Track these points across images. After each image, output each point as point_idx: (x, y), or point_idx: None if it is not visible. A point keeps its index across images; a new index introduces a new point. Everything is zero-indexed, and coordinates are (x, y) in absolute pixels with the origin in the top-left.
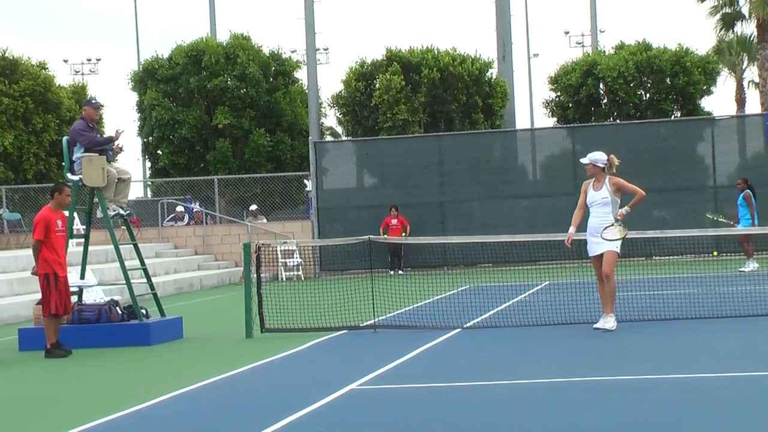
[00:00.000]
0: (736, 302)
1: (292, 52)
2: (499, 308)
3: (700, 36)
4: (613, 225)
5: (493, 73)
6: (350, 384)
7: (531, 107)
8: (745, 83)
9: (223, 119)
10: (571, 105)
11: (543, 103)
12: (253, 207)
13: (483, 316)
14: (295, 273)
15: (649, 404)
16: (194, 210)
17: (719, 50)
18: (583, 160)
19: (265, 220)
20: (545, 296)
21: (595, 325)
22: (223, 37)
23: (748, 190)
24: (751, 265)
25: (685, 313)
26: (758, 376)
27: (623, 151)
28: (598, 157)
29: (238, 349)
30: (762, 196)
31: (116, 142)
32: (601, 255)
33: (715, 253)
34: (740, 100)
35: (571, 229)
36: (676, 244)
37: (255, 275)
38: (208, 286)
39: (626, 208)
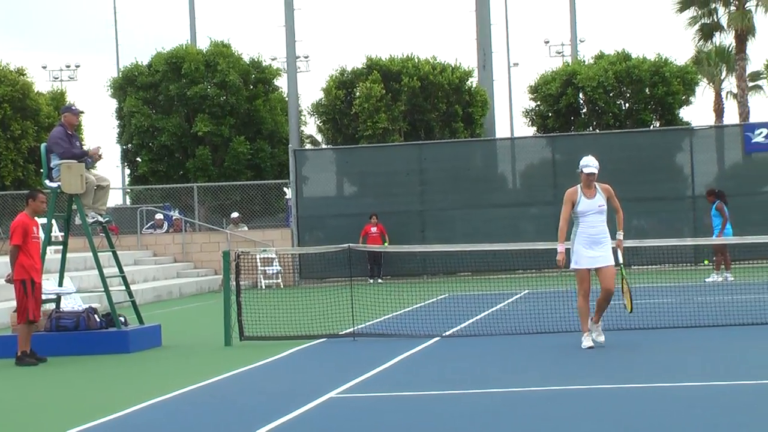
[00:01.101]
0: (717, 311)
1: (273, 59)
2: (479, 317)
3: (679, 46)
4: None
5: (473, 81)
6: (329, 392)
7: (511, 116)
8: (723, 94)
9: (202, 127)
10: (550, 114)
11: (523, 112)
12: (235, 215)
13: (462, 325)
14: (275, 281)
15: (634, 413)
16: (173, 218)
17: (698, 61)
18: (592, 168)
19: (246, 228)
20: (525, 305)
21: (598, 339)
22: (203, 44)
23: (720, 201)
24: (719, 277)
25: (666, 322)
26: (746, 384)
27: (603, 160)
28: (597, 163)
29: (217, 358)
30: (741, 205)
31: (95, 153)
32: (595, 269)
33: (706, 261)
34: (719, 111)
35: (561, 247)
36: (655, 254)
37: (234, 283)
38: (187, 293)
39: (621, 233)
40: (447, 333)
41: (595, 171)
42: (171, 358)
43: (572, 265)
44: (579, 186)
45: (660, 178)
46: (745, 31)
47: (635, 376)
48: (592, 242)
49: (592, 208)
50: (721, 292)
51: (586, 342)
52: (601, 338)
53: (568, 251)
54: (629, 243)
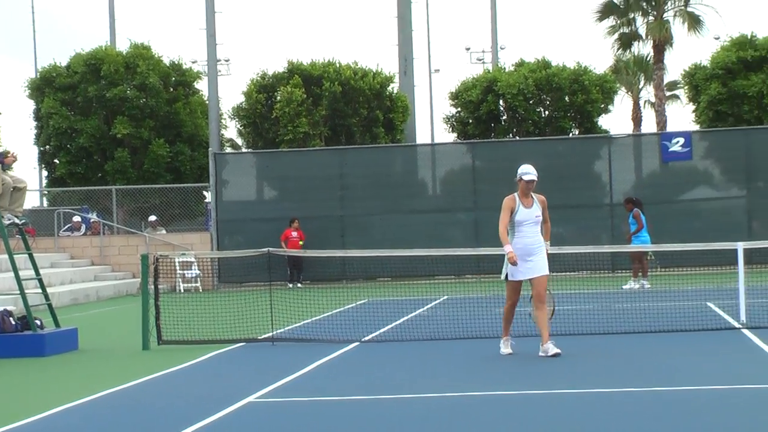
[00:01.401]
0: (634, 318)
1: (193, 62)
2: (398, 322)
3: (598, 55)
4: (542, 245)
5: (394, 87)
6: (248, 397)
7: (432, 122)
8: (641, 103)
9: (122, 129)
10: (471, 121)
11: (444, 118)
12: (153, 218)
13: (381, 330)
14: (194, 285)
15: (550, 419)
16: (91, 220)
17: (617, 69)
18: (531, 177)
19: (164, 231)
20: (444, 311)
21: (509, 351)
22: (123, 46)
23: (637, 209)
24: (636, 284)
25: (583, 329)
26: (661, 391)
27: None
28: (535, 170)
29: (134, 361)
30: (659, 213)
31: (10, 153)
32: (525, 280)
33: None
34: (637, 119)
35: (508, 247)
36: (574, 261)
37: (152, 286)
38: (105, 297)
39: (548, 244)
40: (366, 338)
41: (535, 178)
42: (88, 362)
43: (508, 277)
44: (516, 195)
45: (579, 185)
46: (663, 41)
47: (552, 382)
48: (526, 253)
49: (529, 218)
50: (638, 299)
51: (505, 349)
52: (557, 350)
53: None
54: (549, 250)
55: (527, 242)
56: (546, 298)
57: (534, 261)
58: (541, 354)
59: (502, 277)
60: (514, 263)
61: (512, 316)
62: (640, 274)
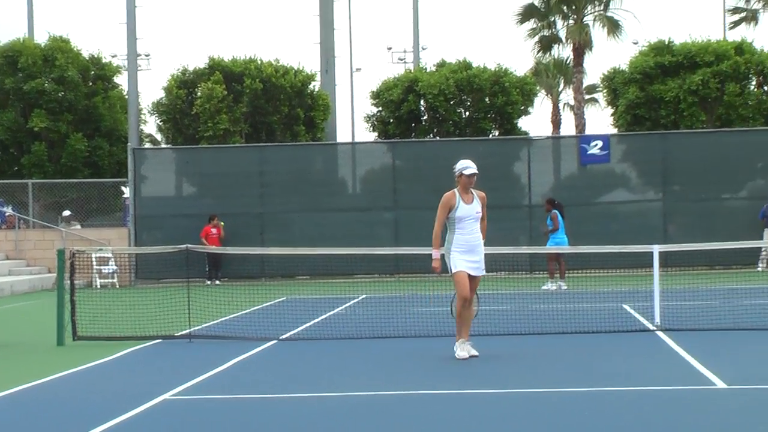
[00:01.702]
0: (552, 319)
1: (113, 56)
2: (316, 320)
3: (519, 57)
4: (482, 244)
5: (315, 85)
6: (163, 394)
7: (353, 121)
8: (561, 105)
9: (39, 122)
10: (392, 120)
11: (365, 117)
12: (66, 213)
13: (299, 328)
14: (110, 280)
15: (468, 418)
16: (6, 214)
17: (537, 72)
18: (472, 170)
19: (79, 226)
20: (362, 310)
21: (466, 355)
22: (41, 38)
23: (555, 211)
24: (553, 285)
25: (502, 329)
26: (577, 392)
27: (442, 167)
28: (474, 165)
29: (49, 357)
30: (576, 216)
31: None
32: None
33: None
34: (556, 122)
35: (437, 253)
36: (493, 262)
37: (68, 282)
38: (20, 291)
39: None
40: (284, 336)
41: (476, 172)
42: (1, 358)
43: (452, 269)
44: (456, 190)
45: (498, 186)
46: (582, 45)
47: (470, 382)
48: (469, 249)
49: (470, 214)
50: (555, 300)
51: (462, 352)
52: (475, 352)
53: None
54: None
55: (468, 238)
56: (474, 298)
57: (477, 260)
58: (459, 354)
59: (452, 270)
60: (435, 271)
61: (469, 315)
62: (557, 275)
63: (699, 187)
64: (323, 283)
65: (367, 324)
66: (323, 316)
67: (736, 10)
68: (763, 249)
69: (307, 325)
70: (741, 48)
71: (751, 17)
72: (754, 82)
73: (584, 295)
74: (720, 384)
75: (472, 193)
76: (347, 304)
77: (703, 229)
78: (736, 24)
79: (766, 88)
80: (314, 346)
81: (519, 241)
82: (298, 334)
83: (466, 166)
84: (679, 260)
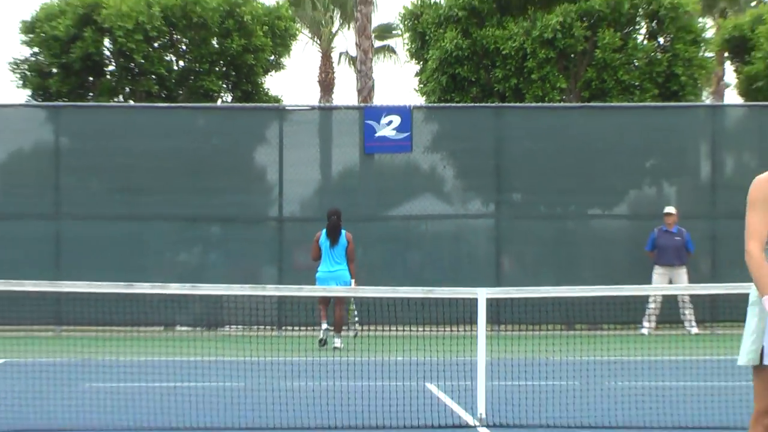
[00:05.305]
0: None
1: None
2: None
3: None
4: None
5: None
6: None
7: None
8: (335, 56)
9: None
10: (56, 70)
11: (10, 64)
12: None
13: None
14: None
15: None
16: None
17: (297, 1)
18: None
19: None
20: None
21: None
22: None
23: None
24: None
25: None
26: None
27: (140, 150)
28: None
29: None
30: (357, 235)
31: None
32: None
33: None
34: (327, 83)
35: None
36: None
37: None
38: None
39: None
40: None
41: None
42: None
43: None
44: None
45: (226, 186)
46: None
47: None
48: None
49: None
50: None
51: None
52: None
53: None
54: None
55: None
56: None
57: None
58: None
59: None
60: None
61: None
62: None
63: (552, 198)
64: None
65: None
66: None
67: None
68: (650, 300)
69: None
70: None
71: None
72: (643, 30)
73: (366, 364)
74: None
75: None
76: None
77: (558, 263)
78: None
79: (661, 40)
80: None
81: (262, 276)
82: None
83: None
84: (518, 313)
